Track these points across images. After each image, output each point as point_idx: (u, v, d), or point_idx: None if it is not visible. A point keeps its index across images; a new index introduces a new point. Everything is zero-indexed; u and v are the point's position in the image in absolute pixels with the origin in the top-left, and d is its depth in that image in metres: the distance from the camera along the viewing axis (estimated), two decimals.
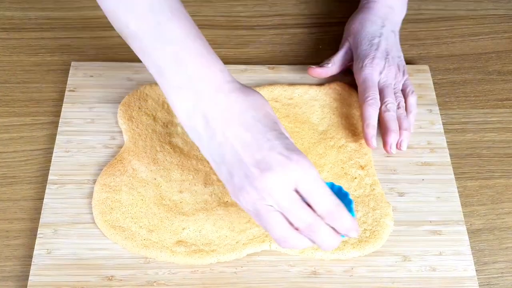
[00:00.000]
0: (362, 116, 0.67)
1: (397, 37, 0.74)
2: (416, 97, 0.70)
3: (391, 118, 0.66)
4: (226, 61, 0.77)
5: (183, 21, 0.54)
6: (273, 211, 0.51)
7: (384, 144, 0.66)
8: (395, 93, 0.69)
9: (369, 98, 0.67)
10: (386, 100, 0.67)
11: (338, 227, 0.52)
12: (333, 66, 0.73)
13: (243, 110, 0.52)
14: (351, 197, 0.57)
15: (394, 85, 0.70)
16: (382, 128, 0.67)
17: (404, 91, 0.70)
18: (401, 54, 0.73)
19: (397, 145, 0.66)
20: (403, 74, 0.71)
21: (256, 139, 0.51)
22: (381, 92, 0.68)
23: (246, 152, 0.51)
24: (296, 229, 0.51)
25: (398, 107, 0.68)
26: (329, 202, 0.51)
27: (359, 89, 0.69)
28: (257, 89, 0.72)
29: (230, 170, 0.52)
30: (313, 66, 0.73)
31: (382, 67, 0.69)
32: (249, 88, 0.54)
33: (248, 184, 0.50)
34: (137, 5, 0.53)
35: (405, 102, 0.70)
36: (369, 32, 0.72)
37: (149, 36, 0.53)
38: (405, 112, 0.68)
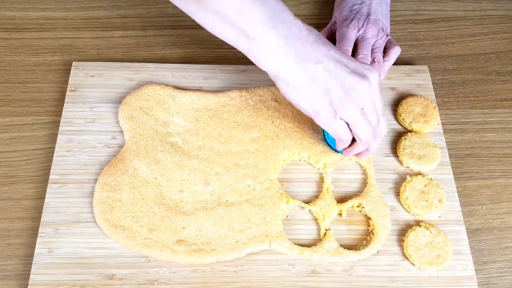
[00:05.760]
0: None
1: (385, 7, 0.74)
2: (399, 50, 0.71)
3: None
4: (227, 61, 0.77)
5: None
6: (364, 118, 0.58)
7: None
8: (373, 49, 0.70)
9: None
10: (360, 51, 0.68)
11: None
12: None
13: (316, 39, 0.58)
14: None
15: (374, 43, 0.70)
16: None
17: (387, 46, 0.71)
18: (387, 23, 0.73)
19: None
20: (386, 36, 0.71)
21: (341, 55, 0.57)
22: (357, 47, 0.69)
23: (341, 66, 0.56)
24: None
25: (373, 62, 0.68)
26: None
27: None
28: (257, 89, 0.72)
29: (326, 86, 0.56)
30: None
31: (360, 26, 0.70)
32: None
33: (346, 92, 0.56)
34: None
35: (387, 52, 0.70)
36: (351, 1, 0.74)
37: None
38: (379, 67, 0.68)
